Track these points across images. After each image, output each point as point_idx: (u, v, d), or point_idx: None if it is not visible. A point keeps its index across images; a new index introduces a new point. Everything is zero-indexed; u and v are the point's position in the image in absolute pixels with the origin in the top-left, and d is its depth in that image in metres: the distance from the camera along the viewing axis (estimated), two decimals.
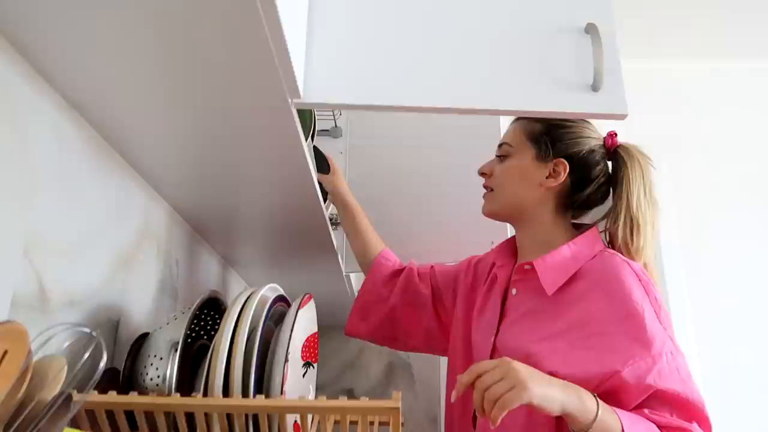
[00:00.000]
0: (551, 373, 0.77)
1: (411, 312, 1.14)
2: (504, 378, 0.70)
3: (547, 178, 0.97)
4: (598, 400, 0.73)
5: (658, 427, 0.75)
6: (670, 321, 0.84)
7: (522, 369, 0.71)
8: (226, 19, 0.56)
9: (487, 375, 0.71)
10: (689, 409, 0.78)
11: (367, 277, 1.20)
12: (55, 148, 0.68)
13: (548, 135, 0.98)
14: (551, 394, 0.71)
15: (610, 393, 0.78)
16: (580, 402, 0.72)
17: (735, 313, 2.12)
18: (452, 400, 0.75)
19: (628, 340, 0.79)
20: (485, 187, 1.05)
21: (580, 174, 0.98)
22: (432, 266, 1.18)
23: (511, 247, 1.06)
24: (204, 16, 0.55)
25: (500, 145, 1.04)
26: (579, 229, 1.00)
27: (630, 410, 0.77)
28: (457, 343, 1.06)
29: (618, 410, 0.75)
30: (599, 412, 0.71)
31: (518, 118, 1.03)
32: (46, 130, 0.67)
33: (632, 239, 0.92)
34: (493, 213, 1.04)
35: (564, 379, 0.76)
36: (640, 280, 0.85)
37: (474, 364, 0.75)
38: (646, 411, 0.77)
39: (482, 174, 1.06)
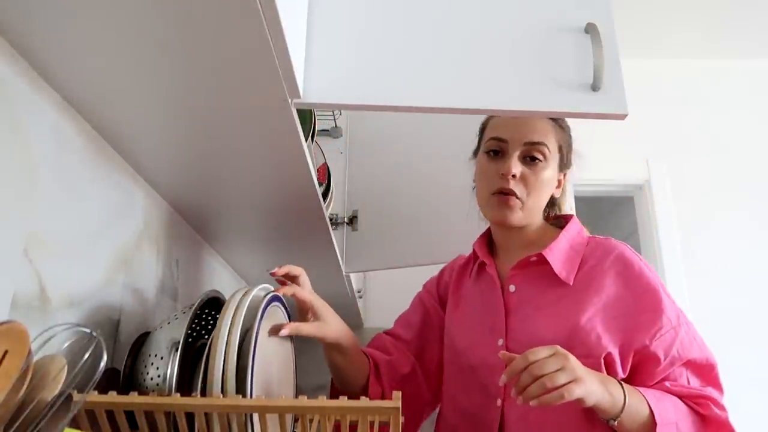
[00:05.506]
0: (586, 355, 0.80)
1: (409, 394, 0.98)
2: (563, 369, 0.71)
3: (556, 188, 1.00)
4: (625, 389, 0.78)
5: (679, 397, 0.82)
6: None
7: (577, 363, 0.74)
8: (225, 18, 0.56)
9: (545, 361, 0.71)
10: (706, 372, 0.86)
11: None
12: (55, 148, 0.68)
13: (568, 146, 1.00)
14: (594, 390, 0.74)
15: (641, 366, 0.84)
16: (611, 396, 0.76)
17: (734, 313, 2.12)
18: (500, 383, 0.77)
19: (650, 316, 0.85)
20: (509, 191, 0.91)
21: None
22: (394, 339, 1.04)
23: (487, 244, 1.04)
24: (204, 16, 0.55)
25: (534, 144, 0.92)
26: (549, 220, 1.03)
27: (656, 382, 0.83)
28: (449, 353, 1.01)
29: (645, 392, 0.79)
30: (626, 403, 0.76)
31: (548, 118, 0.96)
32: (46, 130, 0.66)
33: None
34: (525, 225, 0.95)
35: (599, 359, 0.81)
36: (641, 259, 0.91)
37: (529, 350, 0.73)
38: (667, 384, 0.83)
39: (512, 176, 0.91)
